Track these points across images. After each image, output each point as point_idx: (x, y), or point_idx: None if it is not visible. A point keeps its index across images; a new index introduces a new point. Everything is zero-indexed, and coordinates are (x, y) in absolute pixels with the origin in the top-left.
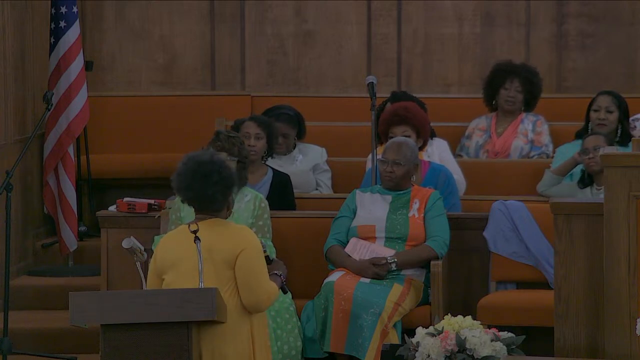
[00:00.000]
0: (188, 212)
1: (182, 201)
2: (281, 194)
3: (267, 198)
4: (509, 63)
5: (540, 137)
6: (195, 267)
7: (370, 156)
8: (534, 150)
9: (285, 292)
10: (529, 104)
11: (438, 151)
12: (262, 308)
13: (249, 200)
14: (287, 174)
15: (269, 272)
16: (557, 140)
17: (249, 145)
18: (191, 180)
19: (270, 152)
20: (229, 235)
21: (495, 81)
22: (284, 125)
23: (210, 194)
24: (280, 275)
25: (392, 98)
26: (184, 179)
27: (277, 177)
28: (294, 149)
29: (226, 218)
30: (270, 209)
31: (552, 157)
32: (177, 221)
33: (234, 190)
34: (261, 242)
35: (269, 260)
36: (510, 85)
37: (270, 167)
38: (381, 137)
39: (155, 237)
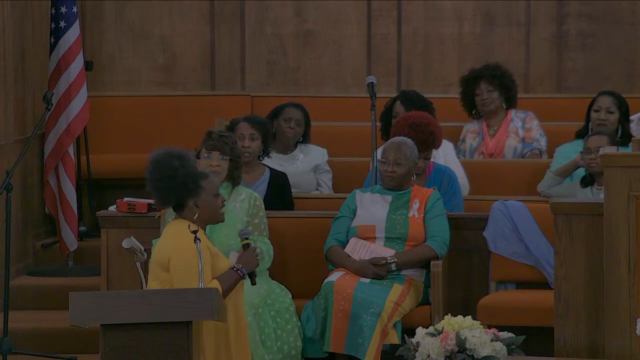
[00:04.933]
0: None
1: None
2: (279, 193)
3: (265, 197)
4: (470, 71)
5: (530, 133)
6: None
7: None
8: (526, 147)
9: (253, 284)
10: (510, 100)
11: (443, 153)
12: None
13: (244, 199)
14: (284, 173)
15: (232, 266)
16: (557, 140)
17: (243, 147)
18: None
19: (266, 152)
20: (166, 237)
21: (467, 92)
22: (297, 110)
23: (155, 192)
24: (238, 270)
25: (402, 97)
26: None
27: (274, 176)
28: (295, 149)
29: (194, 216)
30: (269, 209)
31: (546, 151)
32: None
33: (180, 186)
34: (244, 230)
35: (246, 248)
36: (479, 89)
37: (267, 166)
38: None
39: (154, 241)
